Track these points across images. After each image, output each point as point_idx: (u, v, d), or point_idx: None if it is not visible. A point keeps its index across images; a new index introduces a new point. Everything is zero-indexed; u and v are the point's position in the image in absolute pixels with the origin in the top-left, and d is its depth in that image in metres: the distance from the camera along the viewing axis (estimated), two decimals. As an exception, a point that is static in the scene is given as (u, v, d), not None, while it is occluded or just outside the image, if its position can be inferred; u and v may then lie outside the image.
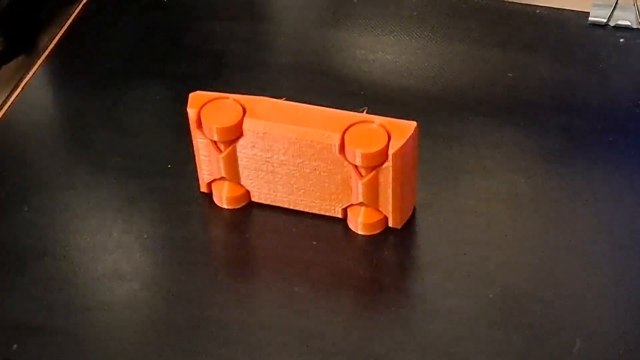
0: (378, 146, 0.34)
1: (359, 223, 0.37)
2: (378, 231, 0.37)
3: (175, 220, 0.38)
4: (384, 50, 0.46)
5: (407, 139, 0.35)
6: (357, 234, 0.37)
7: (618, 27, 0.47)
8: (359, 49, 0.46)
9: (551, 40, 0.46)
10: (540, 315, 0.34)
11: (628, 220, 0.37)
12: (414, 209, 0.38)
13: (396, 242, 0.37)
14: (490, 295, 0.35)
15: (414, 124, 0.35)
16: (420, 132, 0.36)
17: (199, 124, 0.36)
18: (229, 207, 0.38)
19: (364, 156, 0.35)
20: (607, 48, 0.46)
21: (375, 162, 0.35)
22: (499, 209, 0.38)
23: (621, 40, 0.46)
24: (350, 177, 0.36)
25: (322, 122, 0.35)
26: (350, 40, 0.47)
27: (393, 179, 0.35)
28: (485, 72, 0.45)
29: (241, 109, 0.36)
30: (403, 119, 0.36)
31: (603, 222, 0.37)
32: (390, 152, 0.34)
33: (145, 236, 0.38)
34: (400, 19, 0.48)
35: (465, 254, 0.36)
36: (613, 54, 0.45)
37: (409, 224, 0.37)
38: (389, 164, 0.35)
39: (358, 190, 0.36)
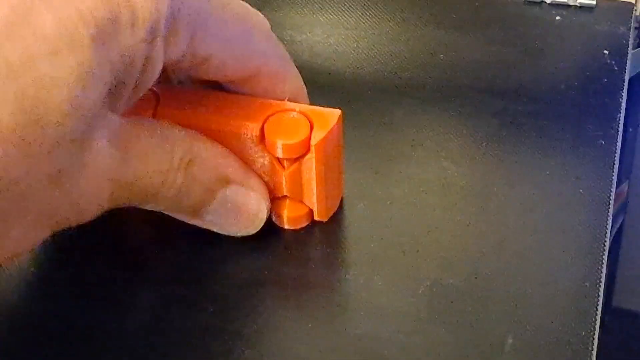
0: (299, 137, 0.33)
1: (284, 217, 0.35)
2: (303, 225, 0.35)
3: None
4: (311, 31, 0.44)
5: (331, 129, 0.33)
6: (282, 228, 0.35)
7: (554, 4, 0.45)
8: (285, 30, 0.44)
9: (485, 19, 0.45)
10: (471, 312, 0.33)
11: (564, 207, 0.36)
12: (341, 201, 0.36)
13: (322, 236, 0.35)
14: (420, 291, 0.33)
15: (337, 112, 0.34)
16: (348, 118, 0.34)
17: None
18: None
19: (285, 147, 0.33)
20: (543, 26, 0.44)
21: (297, 154, 0.33)
22: (430, 199, 0.37)
23: (557, 18, 0.45)
24: (274, 169, 0.34)
25: (242, 112, 0.33)
26: (276, 20, 0.45)
27: (317, 171, 0.33)
28: (416, 53, 0.43)
29: (154, 98, 0.34)
30: (331, 104, 0.34)
31: (538, 211, 0.36)
32: (313, 142, 0.33)
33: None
34: (329, -2, 0.46)
35: (393, 247, 0.35)
36: (549, 33, 0.44)
37: (336, 217, 0.36)
38: (311, 155, 0.33)
39: (281, 182, 0.34)
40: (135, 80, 0.29)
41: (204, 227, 0.34)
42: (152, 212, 0.33)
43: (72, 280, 0.34)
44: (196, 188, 0.32)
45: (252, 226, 0.34)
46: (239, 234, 0.34)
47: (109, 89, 0.28)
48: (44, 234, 0.29)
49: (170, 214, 0.34)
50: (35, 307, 0.33)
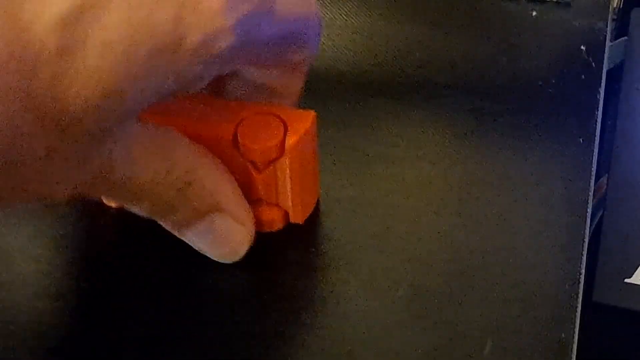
0: (273, 140, 0.32)
1: (259, 220, 0.34)
2: (279, 227, 0.35)
3: (63, 219, 0.36)
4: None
5: (305, 131, 0.32)
6: (256, 232, 0.35)
7: (531, 0, 0.45)
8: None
9: (461, 15, 0.44)
10: (450, 314, 0.32)
11: (543, 205, 0.36)
12: (317, 203, 0.36)
13: (298, 238, 0.35)
14: (398, 294, 0.33)
15: (312, 113, 0.33)
16: (323, 118, 0.34)
17: None
18: (119, 207, 0.35)
19: (258, 151, 0.32)
20: (520, 23, 0.44)
21: (272, 157, 0.32)
22: (407, 199, 0.36)
23: (534, 13, 0.44)
24: (248, 172, 0.33)
25: (214, 115, 0.33)
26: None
27: (291, 173, 0.33)
28: (391, 51, 0.43)
29: None
30: (305, 102, 0.33)
31: (516, 210, 0.36)
32: (287, 145, 0.32)
33: (27, 238, 0.35)
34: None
35: (371, 249, 0.34)
36: (525, 29, 0.44)
37: (312, 219, 0.35)
38: (286, 158, 0.32)
39: (256, 185, 0.33)
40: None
41: (184, 240, 0.33)
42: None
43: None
44: (186, 207, 0.32)
45: (230, 256, 0.34)
46: (216, 259, 0.34)
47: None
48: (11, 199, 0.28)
49: (158, 221, 0.33)
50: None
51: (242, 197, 0.33)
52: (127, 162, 0.29)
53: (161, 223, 0.33)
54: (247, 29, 0.28)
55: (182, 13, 0.26)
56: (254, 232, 0.34)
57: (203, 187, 0.32)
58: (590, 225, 0.47)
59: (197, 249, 0.34)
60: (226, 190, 0.33)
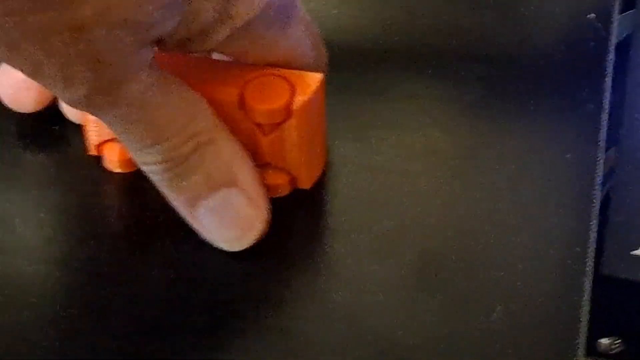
0: (280, 101, 0.32)
1: (266, 184, 0.34)
2: (286, 192, 0.34)
3: (64, 185, 0.35)
4: (291, -3, 0.43)
5: (313, 93, 0.32)
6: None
7: (539, -31, 0.44)
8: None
9: (469, -17, 0.44)
10: (459, 280, 0.32)
11: (552, 174, 0.35)
12: (325, 168, 0.35)
13: (306, 204, 0.34)
14: (407, 259, 0.32)
15: (319, 76, 0.33)
16: (330, 85, 0.33)
17: None
18: (121, 171, 0.35)
19: (265, 113, 0.32)
20: (528, -9, 0.43)
21: (278, 119, 0.32)
22: (414, 166, 0.36)
23: (542, -18, 0.44)
24: (254, 136, 0.33)
25: (220, 76, 0.32)
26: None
27: (299, 137, 0.32)
28: (398, 19, 0.42)
29: None
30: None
31: (525, 178, 0.35)
32: (295, 107, 0.32)
33: (30, 204, 0.34)
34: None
35: (379, 215, 0.34)
36: (534, -3, 0.43)
37: (319, 185, 0.35)
38: (293, 120, 0.32)
39: (263, 149, 0.33)
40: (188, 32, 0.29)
41: (194, 225, 0.32)
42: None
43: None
44: (201, 171, 0.31)
45: (242, 238, 0.32)
46: (225, 245, 0.32)
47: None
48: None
49: (168, 198, 0.32)
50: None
51: (259, 177, 0.32)
52: (151, 102, 0.29)
53: (174, 196, 0.32)
54: None
55: None
56: (269, 218, 0.33)
57: (220, 153, 0.31)
58: (599, 198, 0.46)
59: (206, 233, 0.32)
60: (244, 165, 0.32)
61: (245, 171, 0.32)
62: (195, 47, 0.30)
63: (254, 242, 0.32)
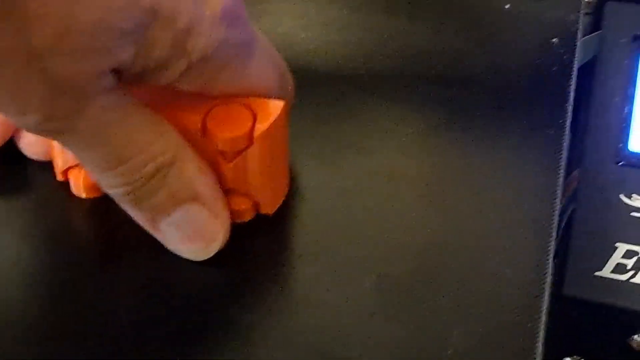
0: (242, 129, 0.32)
1: (229, 210, 0.34)
2: (250, 218, 0.35)
3: (31, 211, 0.35)
4: (259, 20, 0.43)
5: (274, 120, 0.32)
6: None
7: (504, -8, 0.45)
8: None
9: (435, 7, 0.44)
10: (418, 304, 0.32)
11: (512, 197, 0.36)
12: (288, 193, 0.36)
13: (268, 229, 0.35)
14: (367, 284, 0.33)
15: (281, 103, 0.33)
16: (296, 108, 0.34)
17: None
18: (87, 197, 0.35)
19: (227, 140, 0.32)
20: (493, 15, 0.44)
21: (240, 146, 0.32)
22: (379, 189, 0.36)
23: (507, 6, 0.44)
24: (217, 162, 0.33)
25: (184, 104, 0.33)
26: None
27: (261, 163, 0.33)
28: (365, 42, 0.43)
29: None
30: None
31: (486, 202, 0.36)
32: (256, 134, 0.32)
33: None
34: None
35: (341, 239, 0.34)
36: (499, 21, 0.44)
37: (283, 209, 0.35)
38: (255, 147, 0.32)
39: (225, 175, 0.33)
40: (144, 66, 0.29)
41: (157, 237, 0.33)
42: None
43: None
44: (163, 191, 0.32)
45: (203, 251, 0.33)
46: (189, 256, 0.33)
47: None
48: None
49: (131, 215, 0.33)
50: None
51: (220, 190, 0.33)
52: (113, 123, 0.30)
53: (137, 214, 0.33)
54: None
55: None
56: (229, 229, 0.33)
57: (182, 172, 0.32)
58: (563, 219, 0.47)
59: (169, 245, 0.33)
60: (205, 181, 0.32)
61: (206, 186, 0.32)
62: (153, 80, 0.30)
63: (216, 251, 0.33)
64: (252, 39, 0.32)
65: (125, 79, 0.30)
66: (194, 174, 0.32)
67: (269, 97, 0.33)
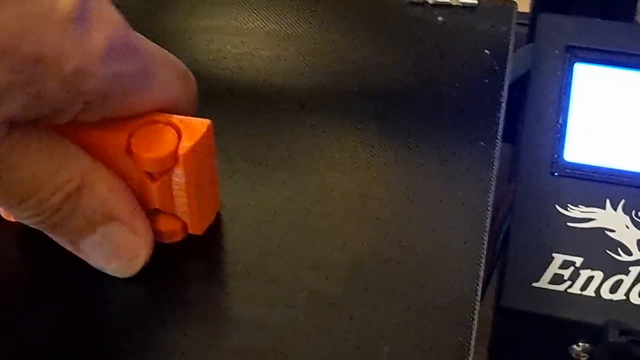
0: (166, 149, 0.32)
1: (156, 231, 0.34)
2: (179, 238, 0.34)
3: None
4: (192, 37, 0.43)
5: (199, 139, 0.32)
6: (156, 243, 0.34)
7: (437, 5, 0.45)
8: (166, 36, 0.43)
9: (367, 20, 0.44)
10: (348, 321, 0.32)
11: (443, 211, 0.36)
12: (218, 212, 0.35)
13: (198, 249, 0.34)
14: (297, 301, 0.33)
15: (207, 122, 0.33)
16: (225, 126, 0.34)
17: None
18: (17, 220, 0.35)
19: (152, 161, 0.32)
20: (426, 28, 0.44)
21: (166, 166, 0.32)
22: (309, 206, 0.36)
23: (440, 18, 0.44)
24: (143, 182, 0.33)
25: (108, 124, 0.32)
26: (158, 25, 0.44)
27: (187, 183, 0.32)
28: (296, 57, 0.42)
29: None
30: (207, 111, 0.33)
31: (417, 216, 0.36)
32: (181, 153, 0.32)
33: None
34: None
35: (272, 257, 0.34)
36: (431, 34, 0.44)
37: (213, 229, 0.35)
38: (180, 167, 0.32)
39: (152, 195, 0.33)
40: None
41: (81, 257, 0.33)
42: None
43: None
44: (77, 216, 0.31)
45: (127, 268, 0.33)
46: (114, 274, 0.33)
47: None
48: None
49: (52, 237, 0.32)
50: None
51: (138, 206, 0.33)
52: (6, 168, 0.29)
53: (56, 237, 0.32)
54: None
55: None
56: (152, 243, 0.33)
57: (94, 195, 0.31)
58: (501, 230, 0.47)
59: (93, 264, 0.33)
60: (120, 200, 0.32)
61: (122, 205, 0.32)
62: (55, 121, 0.30)
63: (141, 268, 0.33)
64: (148, 62, 0.31)
65: (21, 124, 0.29)
66: (107, 195, 0.31)
67: (177, 104, 0.33)
